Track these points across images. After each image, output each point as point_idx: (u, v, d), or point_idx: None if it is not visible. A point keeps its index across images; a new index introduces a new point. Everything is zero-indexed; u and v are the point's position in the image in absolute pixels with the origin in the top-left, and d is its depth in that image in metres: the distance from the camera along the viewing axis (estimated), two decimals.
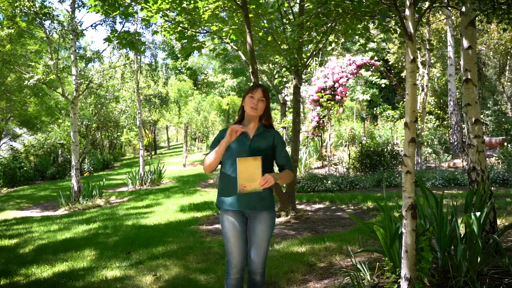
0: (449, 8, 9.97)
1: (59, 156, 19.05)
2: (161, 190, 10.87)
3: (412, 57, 2.55)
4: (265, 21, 6.99)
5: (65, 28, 9.68)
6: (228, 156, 2.50)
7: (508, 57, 16.84)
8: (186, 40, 6.75)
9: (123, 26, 12.51)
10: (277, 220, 6.00)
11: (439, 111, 14.75)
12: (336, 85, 11.27)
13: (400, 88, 17.89)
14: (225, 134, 2.43)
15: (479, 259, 2.99)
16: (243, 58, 7.24)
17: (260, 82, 6.75)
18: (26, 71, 10.76)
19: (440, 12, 13.62)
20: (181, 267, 4.08)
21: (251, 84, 5.27)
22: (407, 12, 2.56)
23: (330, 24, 4.75)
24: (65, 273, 4.20)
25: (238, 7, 6.13)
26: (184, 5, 6.30)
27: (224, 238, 2.54)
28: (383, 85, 13.35)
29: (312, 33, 5.23)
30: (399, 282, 2.72)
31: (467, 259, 2.94)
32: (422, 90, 9.94)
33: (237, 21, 7.10)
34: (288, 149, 9.26)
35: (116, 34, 6.11)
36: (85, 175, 17.26)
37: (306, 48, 7.07)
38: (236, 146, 2.49)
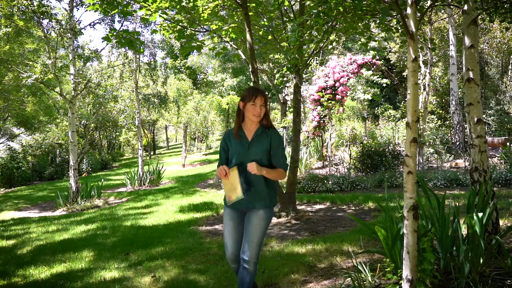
0: (451, 7, 9.94)
1: (57, 156, 18.98)
2: (160, 191, 10.83)
3: (413, 56, 2.51)
4: (265, 20, 6.94)
5: (63, 27, 9.63)
6: (231, 158, 2.79)
7: (511, 56, 16.78)
8: (185, 39, 6.70)
9: (121, 25, 12.45)
10: (277, 221, 5.96)
11: (441, 111, 14.68)
12: (337, 84, 11.24)
13: (401, 88, 17.83)
14: (227, 140, 2.79)
15: (481, 260, 2.96)
16: (243, 57, 7.20)
17: (260, 82, 6.69)
18: (23, 70, 10.72)
19: (442, 11, 13.56)
20: (180, 268, 4.05)
21: (251, 83, 5.23)
22: (408, 10, 2.52)
23: (331, 23, 4.71)
24: (63, 274, 4.18)
25: (238, 5, 6.09)
26: (184, 3, 6.25)
27: (223, 230, 2.85)
28: (384, 85, 13.31)
29: (312, 32, 5.18)
30: (401, 283, 2.69)
31: (469, 260, 2.91)
32: (424, 89, 9.88)
33: (237, 19, 7.05)
34: (289, 149, 9.21)
35: (114, 33, 6.05)
36: (83, 175, 17.22)
37: (307, 47, 7.02)
38: (237, 149, 2.75)
